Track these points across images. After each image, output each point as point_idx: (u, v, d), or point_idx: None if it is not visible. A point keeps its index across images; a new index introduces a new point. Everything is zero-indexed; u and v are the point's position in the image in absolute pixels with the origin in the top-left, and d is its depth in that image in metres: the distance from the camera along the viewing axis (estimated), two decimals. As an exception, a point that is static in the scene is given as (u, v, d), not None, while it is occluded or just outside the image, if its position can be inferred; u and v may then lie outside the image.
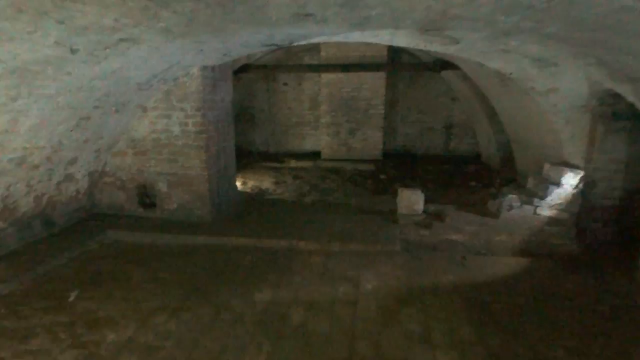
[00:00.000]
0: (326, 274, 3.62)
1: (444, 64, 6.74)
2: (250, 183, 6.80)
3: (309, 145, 9.55)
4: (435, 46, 4.05)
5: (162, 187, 4.86)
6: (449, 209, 4.82)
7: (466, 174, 7.51)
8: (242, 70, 7.32)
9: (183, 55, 3.77)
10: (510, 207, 4.39)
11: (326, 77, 8.07)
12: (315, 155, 8.99)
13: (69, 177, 4.36)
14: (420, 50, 6.98)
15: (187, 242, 4.31)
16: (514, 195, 4.45)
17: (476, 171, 7.61)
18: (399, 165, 8.16)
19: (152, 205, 4.97)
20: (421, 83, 8.86)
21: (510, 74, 4.25)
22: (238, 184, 6.67)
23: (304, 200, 5.81)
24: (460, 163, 8.28)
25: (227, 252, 4.08)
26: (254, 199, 5.90)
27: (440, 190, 6.34)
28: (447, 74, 7.46)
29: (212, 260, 3.88)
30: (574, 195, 4.21)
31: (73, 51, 2.53)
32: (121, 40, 2.68)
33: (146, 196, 5.05)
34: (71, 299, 3.12)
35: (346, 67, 7.30)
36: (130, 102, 4.25)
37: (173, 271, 3.65)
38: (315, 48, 8.54)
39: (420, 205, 4.71)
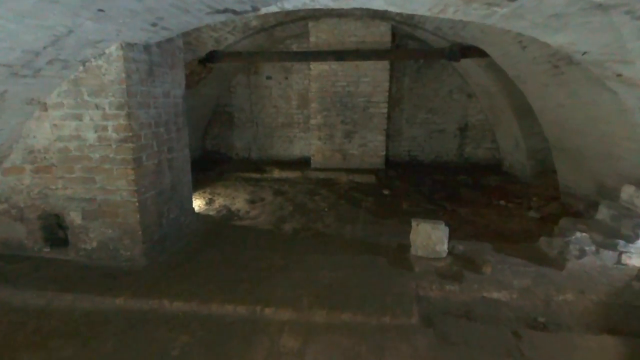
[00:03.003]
0: (302, 378, 2.19)
1: (464, 50, 5.32)
2: (219, 201, 5.35)
3: (297, 150, 8.10)
4: (472, 10, 2.63)
5: (76, 217, 3.41)
6: (485, 250, 3.40)
7: (488, 188, 6.09)
8: (212, 59, 5.90)
9: (71, 18, 2.33)
10: (582, 253, 2.96)
11: (317, 68, 6.63)
12: (305, 162, 7.54)
13: None
14: (435, 34, 5.55)
15: (96, 308, 2.86)
16: (583, 234, 3.03)
17: (501, 185, 6.19)
18: (405, 176, 6.73)
19: (64, 242, 3.52)
20: (431, 76, 7.43)
21: (584, 53, 2.83)
22: (202, 203, 5.23)
23: (284, 229, 4.38)
24: (479, 173, 6.86)
25: (154, 327, 2.64)
26: (218, 227, 4.45)
27: (460, 212, 4.91)
28: (465, 64, 6.03)
29: (123, 348, 2.44)
30: (680, 236, 2.80)
31: None
32: None
33: (61, 229, 3.60)
34: None
35: (341, 55, 5.86)
36: (8, 94, 2.79)
37: (48, 374, 2.21)
38: (303, 34, 7.11)
39: (443, 246, 3.28)
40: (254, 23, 5.61)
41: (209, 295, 2.91)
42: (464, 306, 3.00)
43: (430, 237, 3.28)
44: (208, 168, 7.20)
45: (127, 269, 3.33)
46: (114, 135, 3.17)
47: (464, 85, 7.34)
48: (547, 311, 2.93)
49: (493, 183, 6.29)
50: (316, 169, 6.87)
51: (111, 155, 3.22)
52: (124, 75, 3.04)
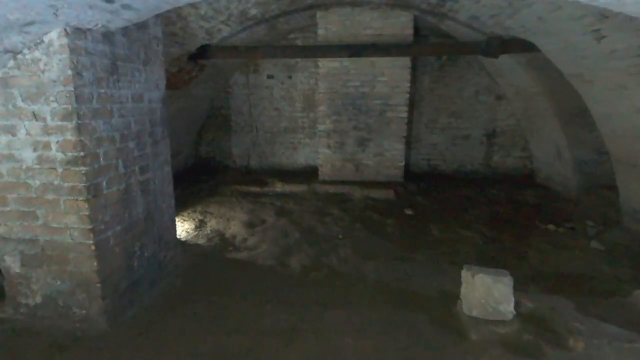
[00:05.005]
0: None
1: (505, 44, 4.46)
2: (211, 224, 4.49)
3: (302, 158, 7.22)
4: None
5: (13, 263, 2.55)
6: (565, 309, 2.52)
7: (526, 205, 5.22)
8: (204, 54, 5.05)
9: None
10: None
11: (326, 65, 5.76)
12: (310, 172, 6.69)
13: None
14: (468, 25, 4.67)
15: (23, 407, 2.01)
16: None
17: (540, 202, 5.31)
18: (427, 190, 5.86)
19: (2, 295, 2.67)
20: (454, 75, 6.55)
21: None
22: (190, 226, 4.38)
23: (289, 265, 3.51)
24: (510, 186, 5.99)
25: None
26: (207, 261, 3.58)
27: (503, 240, 4.04)
28: (498, 61, 5.15)
29: None
30: None
31: None
32: None
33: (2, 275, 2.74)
34: None
35: (356, 51, 5.00)
36: None
37: None
38: (310, 27, 6.25)
39: (509, 305, 2.41)
40: (253, 12, 4.75)
41: (186, 385, 2.05)
42: (545, 398, 2.14)
43: (491, 293, 2.41)
44: (201, 179, 6.35)
45: (80, 334, 2.49)
46: (60, 155, 2.32)
47: (492, 85, 6.45)
48: (666, 408, 2.07)
49: (530, 200, 5.42)
50: (325, 182, 6.00)
51: (56, 182, 2.36)
52: (70, 72, 2.19)
